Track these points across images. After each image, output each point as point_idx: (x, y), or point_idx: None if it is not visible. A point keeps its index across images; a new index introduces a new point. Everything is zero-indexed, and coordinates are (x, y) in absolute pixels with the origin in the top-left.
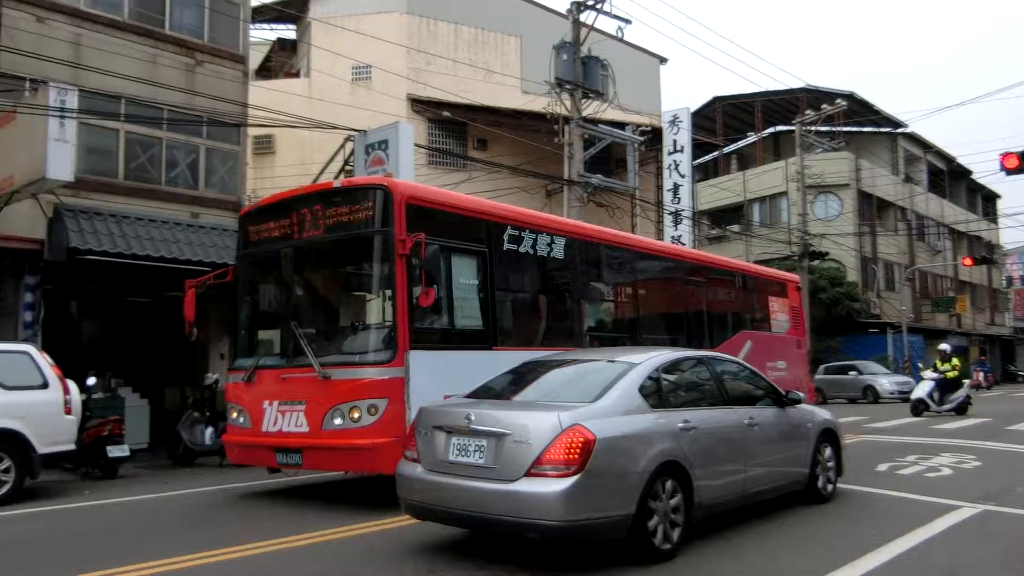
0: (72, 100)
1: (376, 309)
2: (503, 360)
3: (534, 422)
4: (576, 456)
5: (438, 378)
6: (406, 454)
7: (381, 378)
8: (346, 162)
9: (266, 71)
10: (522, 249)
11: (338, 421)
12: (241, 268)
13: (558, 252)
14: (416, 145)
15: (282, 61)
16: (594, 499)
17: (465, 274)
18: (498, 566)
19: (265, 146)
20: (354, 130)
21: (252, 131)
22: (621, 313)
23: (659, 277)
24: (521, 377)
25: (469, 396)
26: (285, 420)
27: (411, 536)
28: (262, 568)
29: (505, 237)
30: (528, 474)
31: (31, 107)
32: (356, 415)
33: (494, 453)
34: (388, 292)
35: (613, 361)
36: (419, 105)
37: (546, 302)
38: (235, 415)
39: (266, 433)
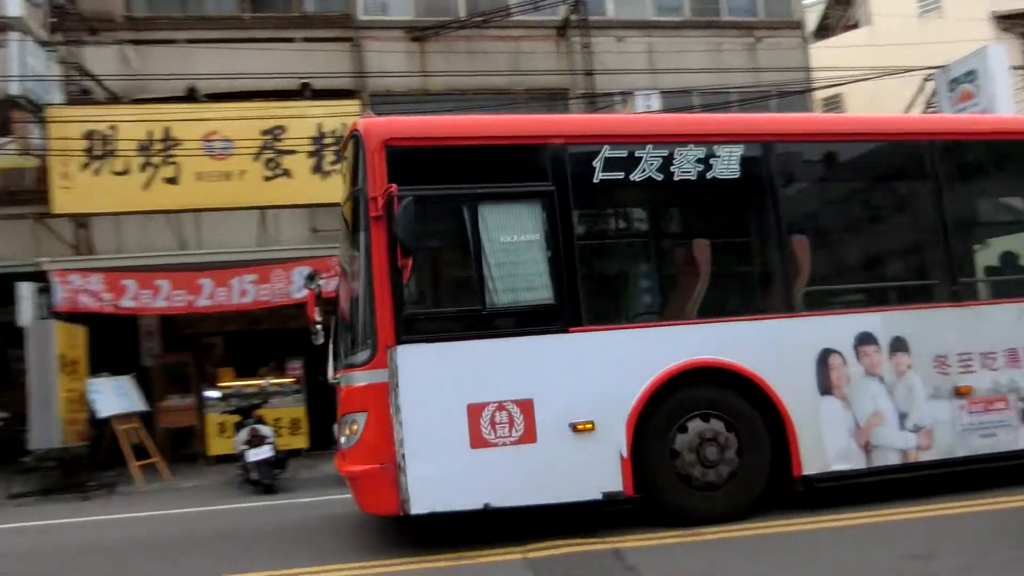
0: (655, 103)
1: (365, 294)
2: (590, 347)
3: None
4: None
5: (458, 381)
6: None
7: (359, 385)
8: (928, 104)
9: (824, 30)
10: (638, 176)
11: (342, 440)
12: None
13: (725, 169)
14: (1013, 68)
15: (839, 16)
16: None
17: (513, 228)
18: None
19: (833, 107)
20: (930, 68)
21: (817, 95)
22: (865, 253)
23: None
24: None
25: None
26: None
27: None
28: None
29: (597, 164)
30: None
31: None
32: (347, 432)
33: None
34: (368, 269)
35: None
36: (1007, 21)
37: (705, 252)
38: None
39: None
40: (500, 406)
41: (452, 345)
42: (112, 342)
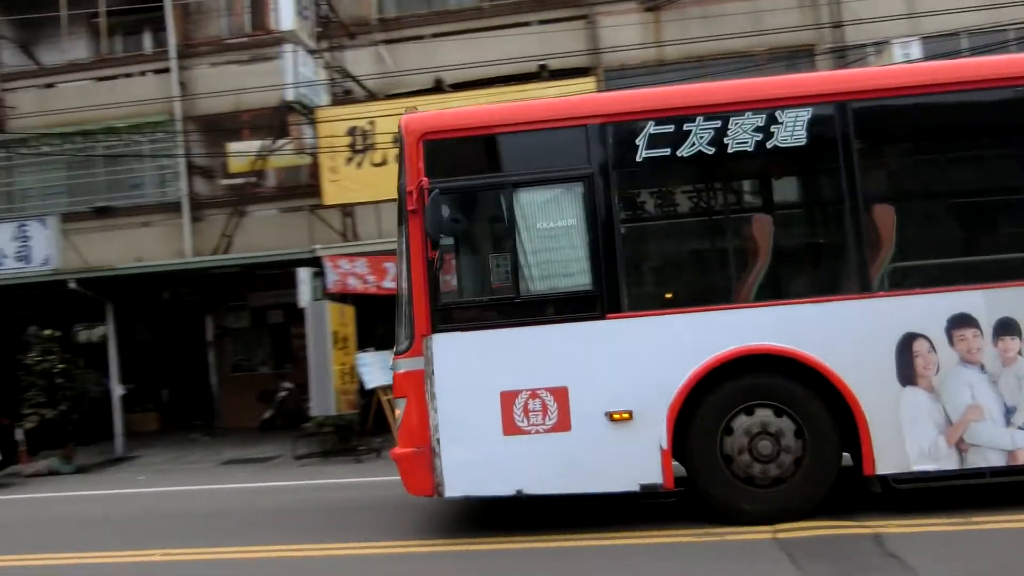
0: (916, 51)
1: (405, 284)
2: (628, 334)
3: None
4: None
5: (491, 369)
6: None
7: (401, 372)
8: None
9: None
10: (687, 151)
11: (397, 424)
12: None
13: (789, 136)
14: None
15: None
16: None
17: (549, 214)
18: None
19: None
20: None
21: None
22: (962, 221)
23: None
24: None
25: None
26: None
27: None
28: None
29: (641, 141)
30: None
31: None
32: (396, 417)
33: None
34: (408, 261)
35: None
36: None
37: (765, 229)
38: None
39: None
40: (533, 394)
41: (485, 333)
42: (376, 320)
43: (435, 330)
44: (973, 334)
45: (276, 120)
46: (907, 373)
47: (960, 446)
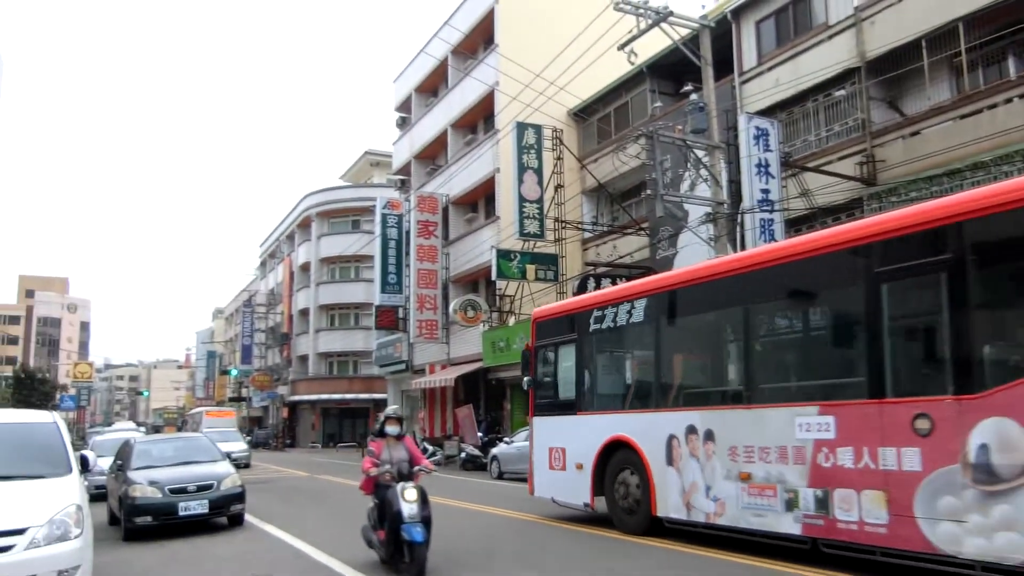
0: None
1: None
2: (584, 422)
3: None
4: None
5: (545, 434)
6: None
7: (531, 431)
8: None
9: None
10: (605, 325)
11: None
12: None
13: (639, 316)
14: None
15: None
16: None
17: (565, 359)
18: None
19: None
20: None
21: None
22: (715, 365)
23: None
24: None
25: None
26: None
27: None
28: None
29: (591, 320)
30: None
31: None
32: None
33: None
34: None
35: None
36: None
37: (633, 367)
38: None
39: None
40: (555, 449)
41: (545, 417)
42: None
43: (534, 415)
44: (695, 438)
45: None
46: (669, 457)
47: (688, 506)
